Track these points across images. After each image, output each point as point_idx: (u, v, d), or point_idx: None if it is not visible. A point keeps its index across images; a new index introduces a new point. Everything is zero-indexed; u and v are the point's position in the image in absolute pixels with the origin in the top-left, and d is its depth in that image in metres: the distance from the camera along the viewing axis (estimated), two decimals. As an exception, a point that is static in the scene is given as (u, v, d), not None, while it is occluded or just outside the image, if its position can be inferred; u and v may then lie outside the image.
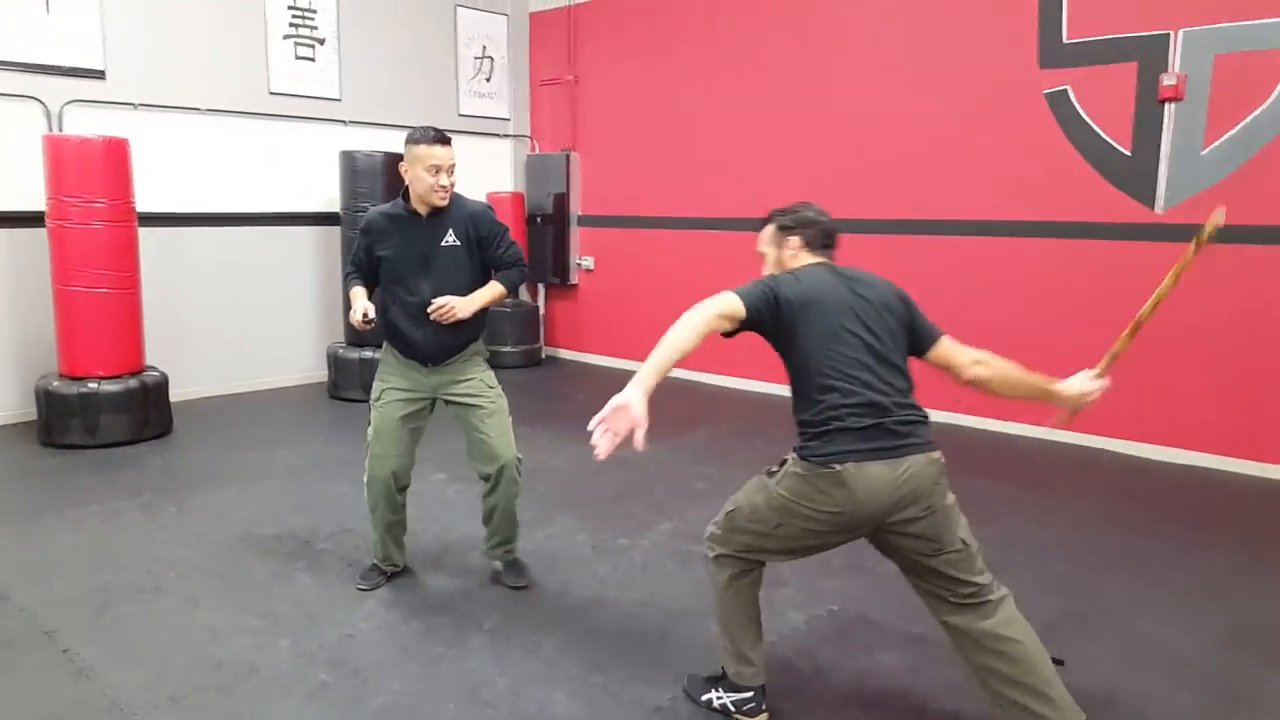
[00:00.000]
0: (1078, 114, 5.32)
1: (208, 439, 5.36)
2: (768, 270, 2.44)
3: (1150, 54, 5.03)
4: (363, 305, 3.12)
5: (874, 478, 2.14)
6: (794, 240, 2.43)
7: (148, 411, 5.26)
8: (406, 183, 3.04)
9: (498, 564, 3.45)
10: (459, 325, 3.09)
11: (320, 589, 3.39)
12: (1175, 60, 4.95)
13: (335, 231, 6.63)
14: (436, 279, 3.09)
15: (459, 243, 3.09)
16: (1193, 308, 4.82)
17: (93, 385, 5.06)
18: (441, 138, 2.97)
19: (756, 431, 5.73)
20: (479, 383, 3.22)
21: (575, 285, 8.03)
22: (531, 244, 7.90)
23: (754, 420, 6.00)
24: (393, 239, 3.11)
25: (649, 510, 4.28)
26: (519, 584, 3.35)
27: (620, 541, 3.89)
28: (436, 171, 2.94)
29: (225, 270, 6.34)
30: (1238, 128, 4.81)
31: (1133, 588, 3.47)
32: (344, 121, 6.84)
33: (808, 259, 2.42)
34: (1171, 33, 4.94)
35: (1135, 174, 5.16)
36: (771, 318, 2.27)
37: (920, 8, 5.86)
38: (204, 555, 3.66)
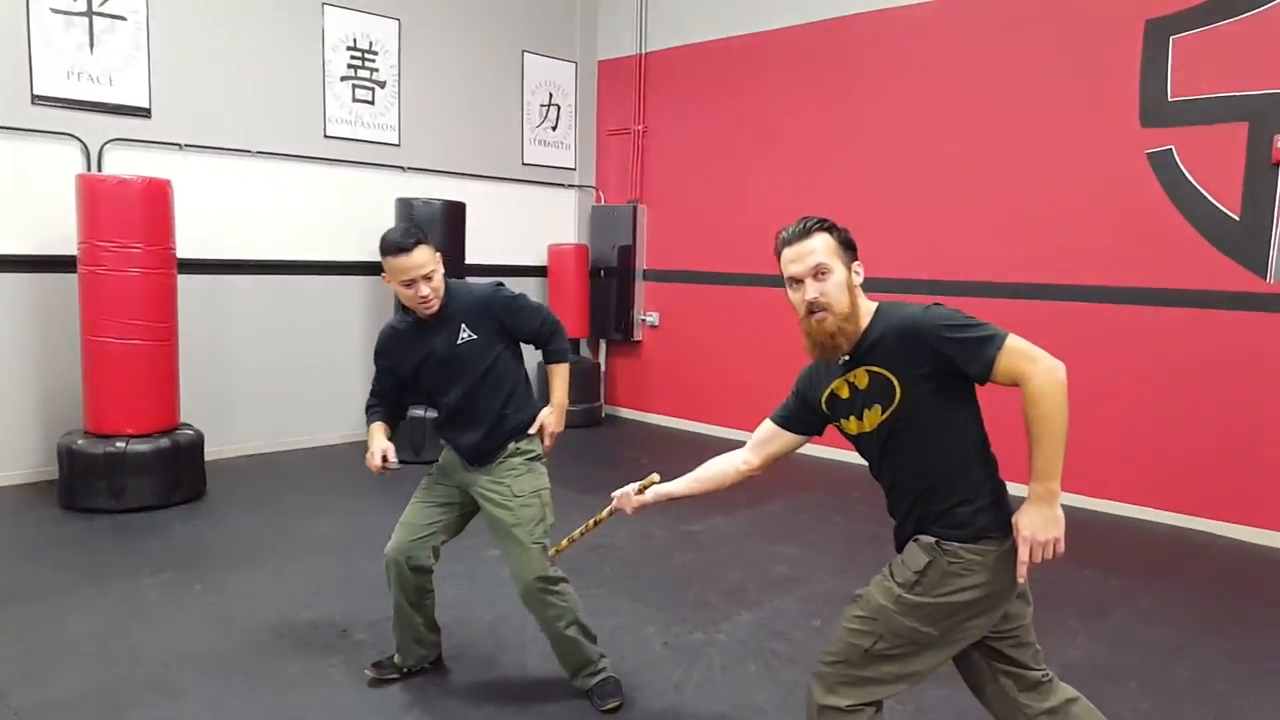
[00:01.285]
0: (1182, 175, 4.79)
1: (243, 504, 4.86)
2: (840, 285, 1.93)
3: (1262, 114, 4.54)
4: (381, 445, 2.75)
5: None
6: (860, 268, 2.00)
7: (179, 473, 4.80)
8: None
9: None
10: (499, 426, 2.76)
11: (357, 691, 2.86)
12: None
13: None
14: (465, 379, 2.76)
15: (475, 336, 2.75)
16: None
17: (120, 444, 4.61)
18: (402, 245, 2.58)
19: (835, 504, 5.14)
20: (506, 489, 2.74)
21: (639, 342, 7.52)
22: (594, 298, 7.44)
23: (832, 490, 5.39)
24: (409, 354, 2.80)
25: (725, 598, 3.75)
26: (607, 706, 2.77)
27: (695, 636, 3.35)
28: (411, 284, 2.59)
29: (269, 321, 5.94)
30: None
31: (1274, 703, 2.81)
32: (402, 168, 6.49)
33: None
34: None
35: (1244, 240, 4.65)
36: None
37: (1016, 62, 5.38)
38: (230, 646, 3.13)
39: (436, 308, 2.67)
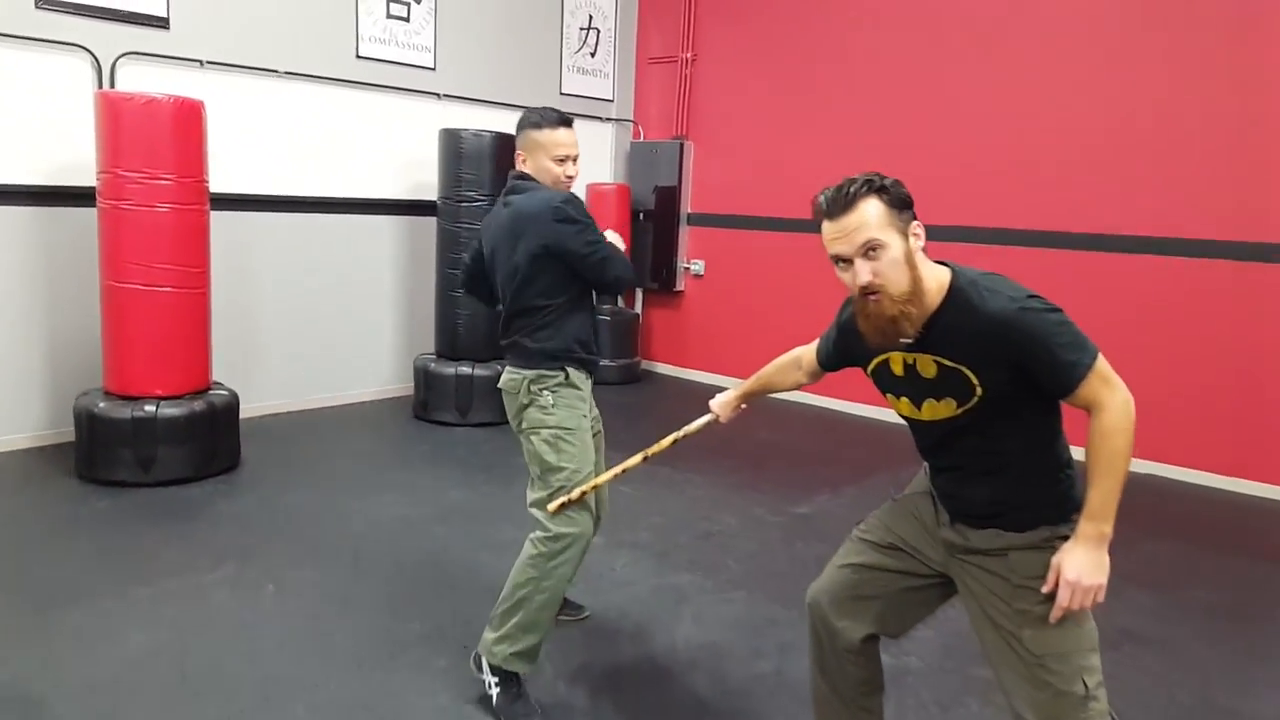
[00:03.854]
0: None
1: (286, 476, 4.32)
2: (896, 261, 1.62)
3: None
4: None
5: None
6: (920, 228, 1.69)
7: (216, 441, 4.23)
8: (524, 170, 2.57)
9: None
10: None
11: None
12: None
13: (429, 223, 5.60)
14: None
15: None
16: None
17: (150, 408, 4.03)
18: (566, 120, 2.58)
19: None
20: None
21: (681, 292, 7.01)
22: (633, 244, 6.88)
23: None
24: None
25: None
26: (487, 689, 2.46)
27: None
28: (563, 160, 2.55)
29: (295, 264, 5.31)
30: None
31: None
32: (438, 95, 5.81)
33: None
34: None
35: None
36: None
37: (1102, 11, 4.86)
38: (338, 671, 2.64)
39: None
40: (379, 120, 5.56)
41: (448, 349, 5.45)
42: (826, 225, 1.65)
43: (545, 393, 2.49)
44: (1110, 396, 1.59)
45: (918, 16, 5.66)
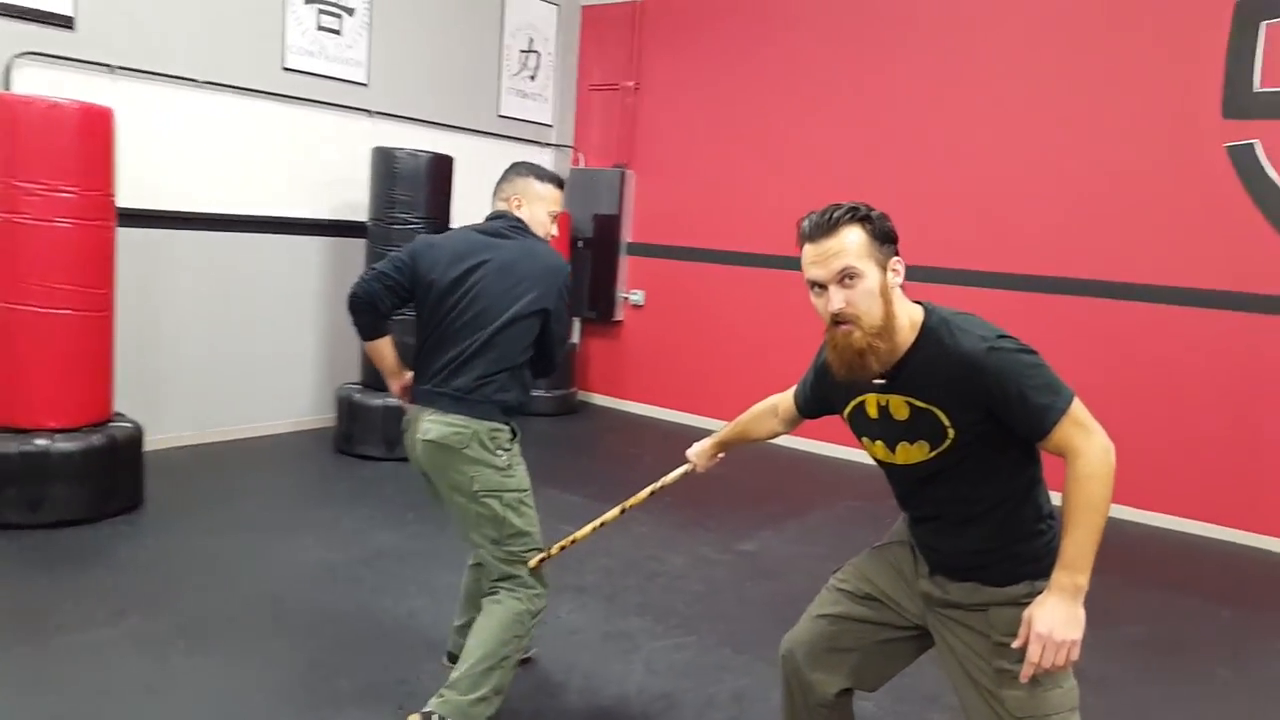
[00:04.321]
0: (1264, 172, 4.49)
1: (196, 518, 3.95)
2: (870, 293, 1.59)
3: None
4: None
5: None
6: (901, 265, 1.66)
7: (115, 478, 3.85)
8: (519, 218, 2.51)
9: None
10: None
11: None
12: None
13: (356, 245, 5.31)
14: None
15: None
16: None
17: (41, 442, 3.64)
18: (561, 181, 2.62)
19: (874, 511, 4.63)
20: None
21: (619, 322, 6.84)
22: (576, 273, 6.69)
23: (865, 497, 4.89)
24: None
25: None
26: None
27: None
28: (554, 218, 2.58)
29: (209, 286, 4.94)
30: None
31: None
32: (369, 112, 5.55)
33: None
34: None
35: None
36: None
37: (1085, 38, 4.95)
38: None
39: None
40: (305, 136, 5.26)
41: (373, 378, 5.14)
42: (807, 248, 1.62)
43: (500, 451, 2.35)
44: (1086, 441, 1.53)
45: (865, 47, 5.66)
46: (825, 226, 1.60)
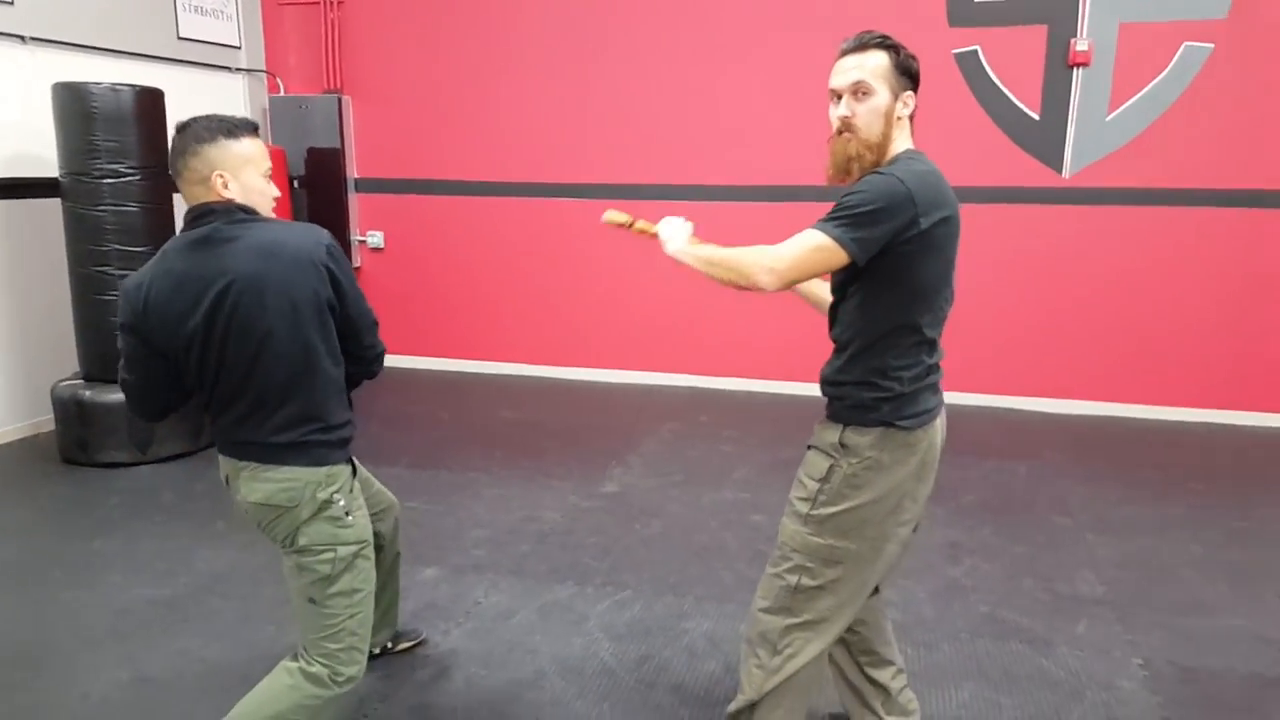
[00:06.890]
0: (988, 76, 5.22)
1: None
2: (876, 110, 1.76)
3: (1060, 17, 5.06)
4: None
5: (937, 434, 1.88)
6: (912, 99, 1.83)
7: None
8: (232, 200, 1.87)
9: None
10: None
11: None
12: (1084, 25, 5.05)
13: (48, 206, 4.22)
14: None
15: None
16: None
17: None
18: (256, 126, 1.96)
19: (694, 433, 4.86)
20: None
21: (358, 268, 6.22)
22: (295, 216, 5.92)
23: (678, 417, 5.10)
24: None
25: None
26: None
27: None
28: (269, 177, 1.95)
29: None
30: (1139, 95, 5.06)
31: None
32: (23, 38, 4.34)
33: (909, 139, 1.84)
34: (1081, -3, 5.02)
35: (1044, 138, 5.22)
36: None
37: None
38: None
39: None
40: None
41: (99, 369, 4.22)
42: (837, 62, 1.80)
43: (339, 496, 1.91)
44: (777, 250, 1.70)
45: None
46: (856, 46, 1.77)
